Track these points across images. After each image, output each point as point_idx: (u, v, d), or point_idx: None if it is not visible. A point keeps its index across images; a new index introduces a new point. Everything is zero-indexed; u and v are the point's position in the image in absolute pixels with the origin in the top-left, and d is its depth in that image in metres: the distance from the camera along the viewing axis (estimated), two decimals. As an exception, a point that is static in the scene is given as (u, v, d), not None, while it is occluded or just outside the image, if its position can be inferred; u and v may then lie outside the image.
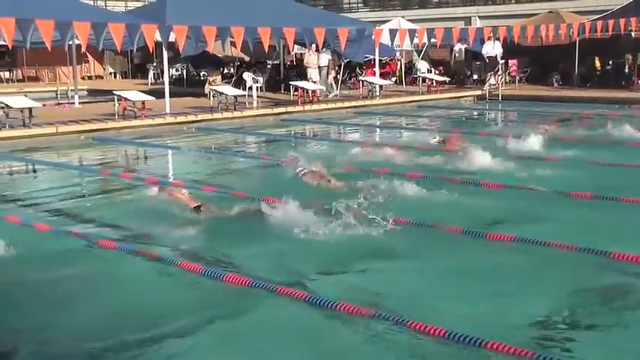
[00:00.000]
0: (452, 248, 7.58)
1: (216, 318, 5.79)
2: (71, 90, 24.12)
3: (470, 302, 6.04)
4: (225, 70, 29.12)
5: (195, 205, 8.85)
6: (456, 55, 25.24)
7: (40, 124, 16.93)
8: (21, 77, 32.17)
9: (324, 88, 23.90)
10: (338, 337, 5.51)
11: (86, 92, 27.87)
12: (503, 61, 26.09)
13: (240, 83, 24.21)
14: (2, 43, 19.60)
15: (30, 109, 16.91)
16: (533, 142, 13.49)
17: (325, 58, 24.42)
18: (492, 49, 25.71)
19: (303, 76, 24.09)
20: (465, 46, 25.29)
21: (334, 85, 25.17)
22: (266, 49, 23.51)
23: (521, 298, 6.15)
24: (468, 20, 37.11)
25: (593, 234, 7.83)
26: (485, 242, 7.68)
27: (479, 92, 25.54)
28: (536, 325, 5.53)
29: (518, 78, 27.22)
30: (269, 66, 27.91)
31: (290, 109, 21.30)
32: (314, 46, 23.17)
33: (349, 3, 46.29)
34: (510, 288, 6.41)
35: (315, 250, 7.54)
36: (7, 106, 16.59)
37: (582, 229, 8.19)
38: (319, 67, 24.10)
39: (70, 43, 20.70)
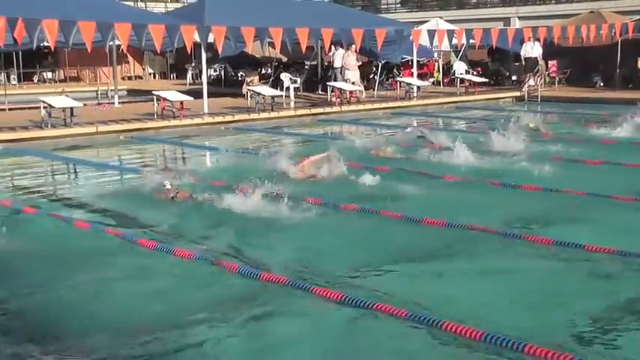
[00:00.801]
0: (489, 250, 7.54)
1: (252, 316, 5.83)
2: (111, 90, 24.43)
3: (507, 305, 6.00)
4: (263, 71, 29.25)
5: (172, 195, 9.62)
6: (524, 56, 24.84)
7: (80, 123, 17.18)
8: (63, 77, 32.63)
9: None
10: (372, 337, 5.52)
11: (126, 92, 28.21)
12: (542, 62, 25.82)
13: (277, 84, 24.31)
14: (45, 44, 19.91)
15: (71, 109, 17.17)
16: (571, 144, 13.36)
17: (340, 59, 24.05)
18: (531, 49, 25.45)
19: (336, 76, 24.03)
20: (533, 45, 24.84)
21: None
22: (303, 50, 23.59)
23: (561, 301, 6.10)
24: (507, 21, 36.84)
25: (634, 237, 7.73)
26: (524, 244, 7.62)
27: (517, 94, 25.32)
28: (574, 328, 5.48)
29: (557, 79, 26.93)
30: (307, 67, 27.98)
31: (327, 109, 21.33)
32: (353, 46, 23.16)
33: (387, 3, 46.23)
34: (548, 291, 6.36)
35: (352, 250, 7.56)
36: (49, 105, 16.85)
37: (621, 231, 8.09)
38: (340, 69, 23.98)
39: (111, 43, 20.97)
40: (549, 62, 26.91)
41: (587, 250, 7.14)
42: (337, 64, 23.95)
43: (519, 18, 36.66)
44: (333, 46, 24.13)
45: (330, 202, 9.32)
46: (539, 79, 25.27)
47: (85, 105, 19.46)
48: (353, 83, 23.33)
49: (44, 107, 16.82)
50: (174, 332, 5.49)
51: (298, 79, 25.17)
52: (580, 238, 7.41)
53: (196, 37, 20.05)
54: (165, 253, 7.41)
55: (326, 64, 29.99)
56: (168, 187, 9.88)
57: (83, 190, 11.44)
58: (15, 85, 29.14)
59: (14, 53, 27.06)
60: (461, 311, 5.71)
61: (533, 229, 8.17)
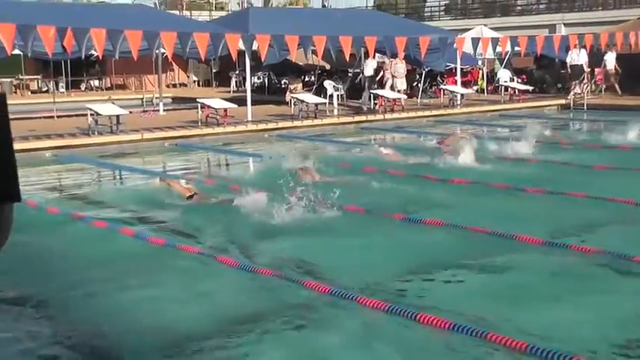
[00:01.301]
0: (531, 259, 7.45)
1: (292, 324, 5.84)
2: (156, 98, 24.72)
3: (553, 315, 5.92)
4: (307, 79, 29.34)
5: (189, 194, 10.02)
6: (569, 63, 24.48)
7: (126, 130, 17.42)
8: (109, 85, 33.13)
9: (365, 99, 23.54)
10: (416, 346, 5.49)
11: (170, 100, 28.53)
12: (589, 69, 25.46)
13: (321, 91, 24.36)
14: (93, 53, 20.26)
15: (117, 117, 17.43)
16: (614, 153, 13.18)
17: (371, 67, 23.88)
18: (577, 57, 25.12)
19: (380, 84, 23.96)
20: (579, 52, 24.46)
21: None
22: (347, 58, 23.61)
23: (608, 312, 6.00)
24: (552, 28, 36.39)
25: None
26: (571, 254, 7.52)
27: (563, 101, 25.01)
28: (617, 338, 5.39)
29: (604, 87, 26.52)
30: (350, 74, 28.00)
31: (370, 117, 21.31)
32: (402, 54, 23.16)
33: (431, 11, 46.06)
34: (593, 302, 6.26)
35: (396, 257, 7.55)
36: (96, 113, 17.12)
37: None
38: (368, 77, 23.78)
39: (157, 52, 21.24)
40: (596, 70, 26.53)
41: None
42: (368, 72, 23.87)
43: (565, 25, 36.20)
44: (362, 55, 24.08)
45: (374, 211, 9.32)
46: (585, 86, 24.92)
47: (130, 112, 19.71)
48: (399, 91, 23.26)
49: (91, 115, 17.09)
50: (218, 341, 5.53)
51: (341, 87, 25.19)
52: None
53: (240, 45, 20.21)
54: (209, 259, 7.48)
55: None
56: (185, 186, 10.47)
57: (126, 195, 11.55)
58: (63, 92, 29.66)
59: (63, 62, 27.55)
60: (506, 322, 5.66)
61: (582, 239, 8.06)
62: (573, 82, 24.94)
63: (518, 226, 8.27)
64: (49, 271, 7.36)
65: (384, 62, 24.68)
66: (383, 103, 22.23)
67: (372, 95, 23.13)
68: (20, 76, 30.15)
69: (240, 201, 9.54)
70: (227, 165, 15.82)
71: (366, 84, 23.80)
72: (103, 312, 6.21)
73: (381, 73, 24.03)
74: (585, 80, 25.08)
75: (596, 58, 25.91)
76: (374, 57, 24.23)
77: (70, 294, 6.66)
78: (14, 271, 6.93)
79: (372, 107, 22.86)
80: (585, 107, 23.79)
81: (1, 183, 1.01)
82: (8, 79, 29.89)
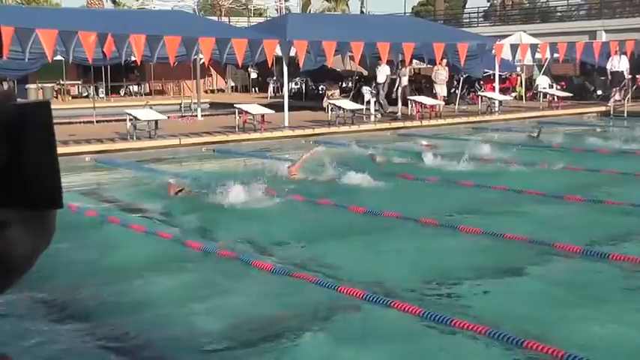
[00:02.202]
0: (570, 267, 7.36)
1: (325, 327, 5.84)
2: (194, 103, 24.91)
3: (591, 324, 5.84)
4: (344, 85, 29.35)
5: (176, 190, 10.71)
6: (610, 70, 24.19)
7: (164, 135, 17.58)
8: (148, 91, 33.48)
9: (382, 106, 23.26)
10: (450, 353, 5.46)
11: (208, 105, 28.71)
12: (630, 76, 25.11)
13: (358, 97, 24.35)
14: (132, 58, 20.50)
15: (156, 122, 17.58)
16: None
17: (384, 73, 23.64)
18: (618, 63, 24.80)
19: (420, 90, 23.89)
20: (620, 58, 24.16)
21: (386, 104, 23.71)
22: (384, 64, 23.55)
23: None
24: (592, 34, 35.97)
25: None
26: (607, 263, 7.41)
27: (603, 108, 24.68)
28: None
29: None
30: (387, 80, 27.92)
31: (407, 123, 21.24)
32: (444, 61, 23.06)
33: (469, 17, 45.86)
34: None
35: (431, 263, 7.51)
36: (135, 118, 17.29)
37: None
38: (377, 83, 23.59)
39: (195, 57, 21.41)
40: (637, 76, 26.16)
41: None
42: (380, 79, 23.70)
43: (606, 31, 35.76)
44: (399, 63, 23.92)
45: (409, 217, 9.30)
46: (625, 93, 24.58)
47: (168, 117, 19.87)
48: (436, 97, 23.18)
49: (130, 120, 17.27)
50: (247, 342, 5.56)
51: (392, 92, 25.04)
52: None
53: (278, 51, 20.30)
54: (245, 264, 7.52)
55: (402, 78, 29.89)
56: (173, 183, 11.12)
57: (165, 202, 11.63)
58: (103, 98, 30.06)
59: (103, 67, 27.95)
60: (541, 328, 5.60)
61: (616, 247, 7.95)
62: (614, 89, 24.62)
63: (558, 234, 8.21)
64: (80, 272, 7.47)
65: (419, 68, 24.54)
66: (420, 110, 22.14)
67: (408, 102, 23.03)
68: (61, 82, 30.61)
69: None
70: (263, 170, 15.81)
71: (379, 90, 23.65)
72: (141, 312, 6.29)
73: (398, 80, 23.78)
74: (626, 87, 24.75)
75: (637, 64, 25.55)
76: (411, 63, 24.18)
77: (111, 298, 6.74)
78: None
79: (385, 113, 22.54)
80: (626, 114, 23.44)
81: (45, 190, 1.03)
82: (50, 85, 30.40)
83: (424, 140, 17.67)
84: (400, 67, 23.71)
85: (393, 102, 25.73)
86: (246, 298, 6.66)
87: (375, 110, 22.66)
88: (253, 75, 36.10)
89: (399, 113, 22.57)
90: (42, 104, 1.07)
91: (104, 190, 13.04)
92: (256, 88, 36.01)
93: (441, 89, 23.56)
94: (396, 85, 23.84)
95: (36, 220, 1.12)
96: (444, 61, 23.12)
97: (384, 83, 23.61)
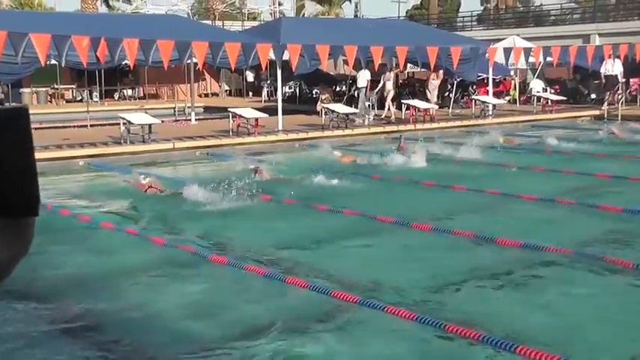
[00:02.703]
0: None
1: (324, 331, 5.82)
2: (188, 107, 24.89)
3: (585, 328, 5.84)
4: (338, 88, 29.35)
5: (146, 187, 11.47)
6: (604, 74, 24.22)
7: (158, 139, 17.54)
8: (142, 95, 33.44)
9: (362, 112, 22.94)
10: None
11: (202, 109, 28.69)
12: (623, 80, 25.15)
13: (352, 101, 24.33)
14: (126, 62, 20.47)
15: (149, 126, 17.55)
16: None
17: (364, 78, 23.56)
18: (612, 67, 24.84)
19: (414, 94, 23.93)
20: (614, 62, 24.21)
21: (370, 109, 23.67)
22: (376, 68, 23.58)
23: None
24: (586, 38, 36.05)
25: None
26: (603, 266, 7.41)
27: (597, 112, 24.71)
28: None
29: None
30: (381, 84, 27.92)
31: (401, 127, 21.23)
32: (441, 72, 23.27)
33: (463, 21, 45.90)
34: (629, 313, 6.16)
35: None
36: (128, 122, 17.26)
37: None
38: (358, 88, 23.55)
39: (189, 61, 21.38)
40: (631, 80, 26.21)
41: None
42: (361, 83, 23.65)
43: (599, 35, 35.84)
44: (393, 66, 23.94)
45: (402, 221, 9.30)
46: (619, 97, 24.62)
47: (162, 122, 19.83)
48: (428, 101, 23.24)
49: (124, 124, 17.24)
50: (239, 344, 5.54)
51: (372, 97, 25.14)
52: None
53: (271, 55, 20.28)
54: (238, 269, 7.51)
55: (400, 81, 29.96)
56: (143, 181, 11.65)
57: (160, 205, 11.61)
58: (97, 102, 30.01)
59: (97, 71, 27.91)
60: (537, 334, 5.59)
61: (613, 251, 7.94)
62: (607, 93, 24.66)
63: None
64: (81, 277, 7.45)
65: (412, 72, 24.59)
66: (414, 113, 22.15)
67: (403, 105, 23.04)
68: (55, 86, 30.57)
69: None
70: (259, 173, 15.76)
71: (360, 95, 23.62)
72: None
73: (381, 83, 23.74)
74: (620, 91, 24.79)
75: (630, 68, 25.60)
76: (405, 67, 24.23)
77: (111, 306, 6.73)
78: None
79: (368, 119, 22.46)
80: (620, 118, 23.47)
81: (24, 197, 1.01)
82: (44, 89, 30.34)
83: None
84: (385, 71, 23.68)
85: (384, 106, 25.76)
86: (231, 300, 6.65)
87: (362, 115, 22.53)
88: (250, 78, 36.07)
89: (384, 116, 22.52)
90: (19, 110, 1.05)
91: (97, 195, 12.98)
92: (253, 92, 35.87)
93: (432, 96, 23.68)
94: (378, 89, 23.80)
95: (13, 227, 1.10)
96: (440, 72, 23.25)
97: (365, 88, 23.57)
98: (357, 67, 24.30)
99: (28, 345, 5.66)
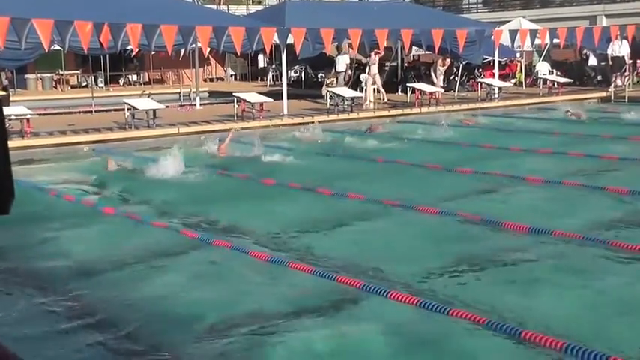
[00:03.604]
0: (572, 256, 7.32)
1: (327, 318, 5.81)
2: (193, 92, 24.82)
3: (587, 314, 5.81)
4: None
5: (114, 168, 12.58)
6: (610, 55, 24.04)
7: (162, 125, 17.50)
8: (147, 80, 33.36)
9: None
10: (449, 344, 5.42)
11: (207, 94, 28.60)
12: (630, 61, 24.97)
13: (357, 85, 24.24)
14: (130, 47, 20.38)
15: (154, 111, 17.50)
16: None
17: (343, 62, 23.43)
18: (619, 48, 24.64)
19: (419, 77, 23.84)
20: (621, 43, 24.02)
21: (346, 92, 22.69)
22: (381, 51, 23.46)
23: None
24: (593, 19, 35.81)
25: None
26: (608, 250, 7.37)
27: (603, 94, 24.56)
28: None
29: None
30: (386, 68, 27.80)
31: (407, 111, 21.14)
32: (447, 60, 23.23)
33: (469, 4, 45.58)
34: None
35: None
36: (133, 107, 17.22)
37: None
38: (337, 72, 23.33)
39: (193, 46, 21.28)
40: (638, 61, 26.02)
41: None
42: (340, 67, 23.44)
43: (606, 16, 35.58)
44: (399, 48, 23.82)
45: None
46: (626, 78, 24.46)
47: (167, 107, 19.79)
48: (433, 84, 23.15)
49: (128, 109, 17.20)
50: (249, 331, 5.52)
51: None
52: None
53: (275, 39, 20.19)
54: (241, 252, 7.51)
55: (406, 65, 29.81)
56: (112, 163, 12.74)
57: (168, 193, 11.58)
58: (102, 87, 29.96)
59: (102, 57, 27.84)
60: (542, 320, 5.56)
61: (616, 235, 7.89)
62: (614, 74, 24.50)
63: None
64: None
65: (418, 55, 24.49)
66: (419, 97, 22.05)
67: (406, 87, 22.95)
68: (60, 71, 30.52)
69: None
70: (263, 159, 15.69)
71: (338, 79, 23.33)
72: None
73: (368, 68, 23.44)
74: (627, 72, 24.62)
75: (638, 49, 25.41)
76: (410, 50, 24.11)
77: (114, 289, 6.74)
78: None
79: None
80: (627, 100, 23.32)
81: None
82: (49, 75, 30.30)
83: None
84: (370, 54, 23.36)
85: (393, 88, 25.64)
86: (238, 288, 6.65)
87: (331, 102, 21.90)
88: (262, 63, 35.68)
89: (367, 102, 22.04)
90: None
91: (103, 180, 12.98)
92: (260, 77, 35.54)
93: (438, 80, 23.60)
94: (366, 72, 23.50)
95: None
96: (447, 60, 23.18)
97: (344, 72, 23.34)
98: (361, 50, 24.10)
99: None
